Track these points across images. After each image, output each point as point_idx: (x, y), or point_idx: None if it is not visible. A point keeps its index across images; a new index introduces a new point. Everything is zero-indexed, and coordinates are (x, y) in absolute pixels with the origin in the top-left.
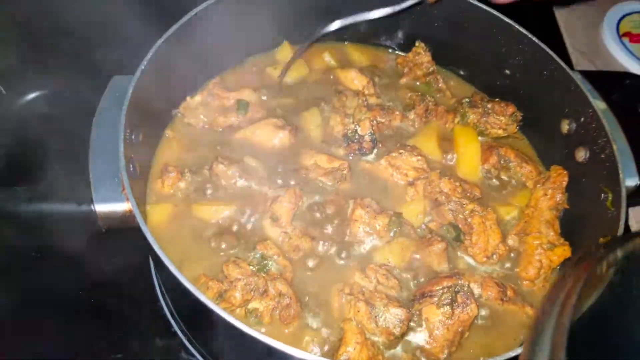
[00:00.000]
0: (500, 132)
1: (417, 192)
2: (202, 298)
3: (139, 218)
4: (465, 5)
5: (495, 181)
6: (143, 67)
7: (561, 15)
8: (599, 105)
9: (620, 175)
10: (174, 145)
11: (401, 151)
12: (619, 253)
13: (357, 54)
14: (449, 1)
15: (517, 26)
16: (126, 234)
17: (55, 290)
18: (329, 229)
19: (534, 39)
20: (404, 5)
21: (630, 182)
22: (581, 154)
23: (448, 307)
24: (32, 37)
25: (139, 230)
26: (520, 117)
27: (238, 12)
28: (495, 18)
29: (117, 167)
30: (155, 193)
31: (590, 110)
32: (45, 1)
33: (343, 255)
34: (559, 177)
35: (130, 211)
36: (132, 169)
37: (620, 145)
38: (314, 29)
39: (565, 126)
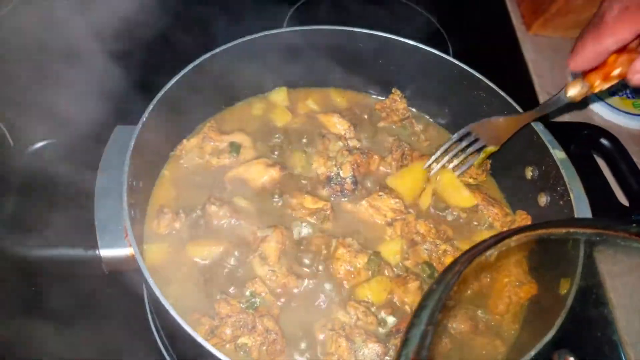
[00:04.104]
0: (470, 180)
1: (395, 232)
2: (197, 337)
3: (141, 263)
4: (437, 58)
5: (464, 222)
6: (144, 119)
7: (530, 57)
8: (559, 154)
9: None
10: (170, 185)
11: (380, 193)
12: (512, 243)
13: (339, 98)
14: (423, 54)
15: (485, 80)
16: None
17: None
18: (313, 267)
19: (501, 92)
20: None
21: None
22: (543, 199)
23: None
24: (38, 89)
25: (139, 272)
26: (489, 167)
27: (235, 60)
28: (465, 72)
29: (120, 214)
30: (152, 233)
31: (550, 160)
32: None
33: (326, 292)
34: (523, 221)
35: (133, 256)
36: (132, 214)
37: (577, 193)
38: (312, 75)
39: (529, 173)
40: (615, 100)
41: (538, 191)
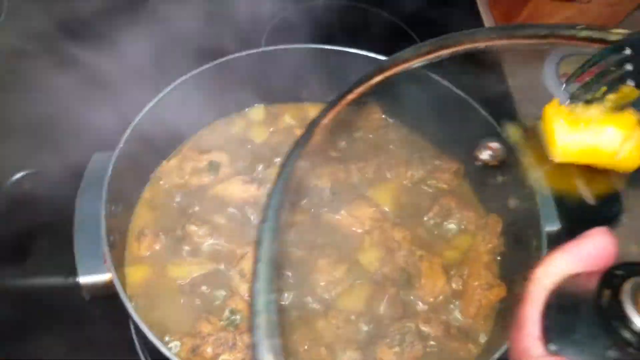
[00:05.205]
0: (444, 186)
1: (373, 240)
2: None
3: (119, 288)
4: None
5: (439, 227)
6: (121, 146)
7: (504, 56)
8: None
9: (541, 223)
10: (150, 207)
11: (359, 202)
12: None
13: (315, 111)
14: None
15: (457, 91)
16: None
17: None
18: (293, 280)
19: (473, 102)
20: None
21: (551, 227)
22: (512, 203)
23: (398, 347)
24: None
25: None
26: (463, 173)
27: (212, 81)
28: (437, 82)
29: (99, 241)
30: (132, 255)
31: (517, 164)
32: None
33: (306, 303)
34: (495, 224)
35: (111, 281)
36: (111, 239)
37: (542, 195)
38: (289, 91)
39: (499, 177)
40: None
41: (508, 194)
